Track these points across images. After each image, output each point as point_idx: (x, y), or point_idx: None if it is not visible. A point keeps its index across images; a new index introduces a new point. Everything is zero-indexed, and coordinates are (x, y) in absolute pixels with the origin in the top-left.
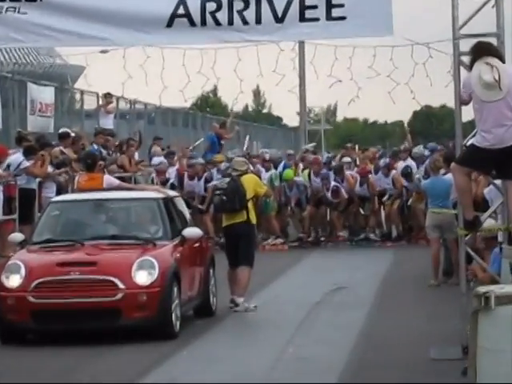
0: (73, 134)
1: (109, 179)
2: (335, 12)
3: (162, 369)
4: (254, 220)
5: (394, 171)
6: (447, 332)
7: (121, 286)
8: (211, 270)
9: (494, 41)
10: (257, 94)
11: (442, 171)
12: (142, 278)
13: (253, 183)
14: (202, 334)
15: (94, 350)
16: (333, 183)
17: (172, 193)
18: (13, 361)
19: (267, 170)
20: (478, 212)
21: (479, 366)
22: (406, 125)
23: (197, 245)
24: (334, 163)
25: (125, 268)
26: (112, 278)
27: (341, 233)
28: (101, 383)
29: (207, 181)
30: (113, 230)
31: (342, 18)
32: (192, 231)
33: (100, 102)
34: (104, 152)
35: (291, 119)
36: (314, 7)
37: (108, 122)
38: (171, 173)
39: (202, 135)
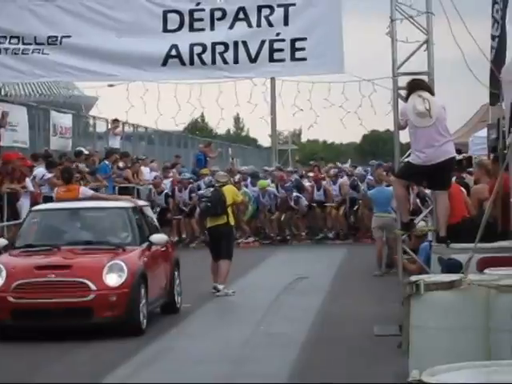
0: (86, 152)
1: (84, 190)
2: (298, 54)
3: (132, 361)
4: (232, 222)
5: (340, 179)
6: (388, 313)
7: (92, 287)
8: (176, 272)
9: (425, 78)
10: (237, 120)
11: (385, 183)
12: (112, 280)
13: (232, 192)
14: (188, 313)
15: (66, 346)
16: (294, 194)
17: (141, 202)
18: None
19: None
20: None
21: (411, 340)
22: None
23: (163, 249)
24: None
25: (96, 271)
26: (84, 280)
27: (303, 233)
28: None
29: (191, 191)
30: (87, 236)
31: (304, 59)
32: (158, 237)
33: (109, 126)
34: (113, 167)
35: (264, 140)
36: (281, 50)
37: (115, 143)
38: (166, 183)
39: (191, 154)
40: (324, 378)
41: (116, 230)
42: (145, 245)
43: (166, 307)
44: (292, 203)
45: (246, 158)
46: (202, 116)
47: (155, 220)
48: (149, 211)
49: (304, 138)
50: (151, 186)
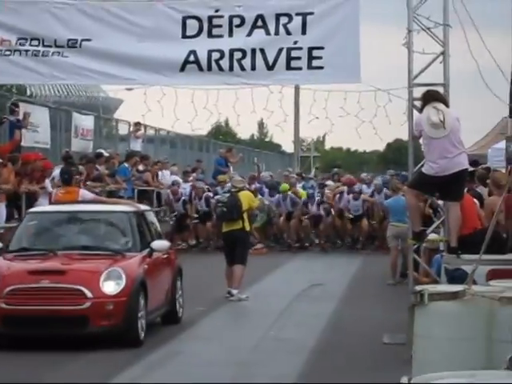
0: (106, 154)
1: (84, 193)
2: (315, 63)
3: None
4: (248, 227)
5: (362, 195)
6: (398, 322)
7: (89, 294)
8: (178, 280)
9: (440, 89)
10: (261, 125)
11: (401, 192)
12: (110, 287)
13: (248, 198)
14: (202, 316)
15: (59, 356)
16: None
17: (143, 207)
18: None
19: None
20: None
21: (414, 349)
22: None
23: (165, 256)
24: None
25: (93, 278)
26: (80, 287)
27: (322, 241)
28: None
29: (207, 199)
30: (84, 240)
31: (320, 68)
32: (160, 243)
33: (131, 129)
34: (133, 170)
35: (288, 147)
36: (298, 58)
37: (137, 146)
38: (186, 188)
39: (214, 158)
40: None
41: (116, 235)
42: (145, 251)
43: (166, 317)
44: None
45: (268, 163)
46: (226, 121)
47: (157, 225)
48: (151, 216)
49: (327, 146)
50: (169, 191)
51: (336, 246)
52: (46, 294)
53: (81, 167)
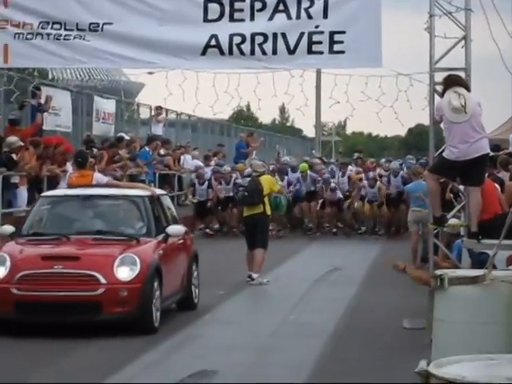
0: (128, 138)
1: (98, 176)
2: (336, 47)
3: (143, 358)
4: (268, 212)
5: (378, 183)
6: (418, 306)
7: (102, 280)
8: (194, 266)
9: (462, 74)
10: (282, 109)
11: (422, 177)
12: (124, 273)
13: (269, 182)
14: (222, 300)
15: (70, 343)
16: (332, 184)
17: (159, 191)
18: None
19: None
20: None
21: (434, 333)
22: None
23: (180, 241)
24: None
25: (107, 263)
26: (94, 273)
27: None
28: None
29: (228, 183)
30: (98, 225)
31: (342, 52)
32: (175, 228)
33: (152, 113)
34: (154, 154)
35: (309, 131)
36: (320, 43)
37: (158, 130)
38: (207, 172)
39: (234, 143)
40: (347, 369)
41: (130, 219)
42: (160, 237)
43: (182, 303)
44: (328, 194)
45: (290, 148)
46: (248, 105)
47: (173, 210)
48: (167, 201)
49: (349, 130)
50: (193, 176)
51: (357, 231)
52: (59, 279)
53: (95, 151)
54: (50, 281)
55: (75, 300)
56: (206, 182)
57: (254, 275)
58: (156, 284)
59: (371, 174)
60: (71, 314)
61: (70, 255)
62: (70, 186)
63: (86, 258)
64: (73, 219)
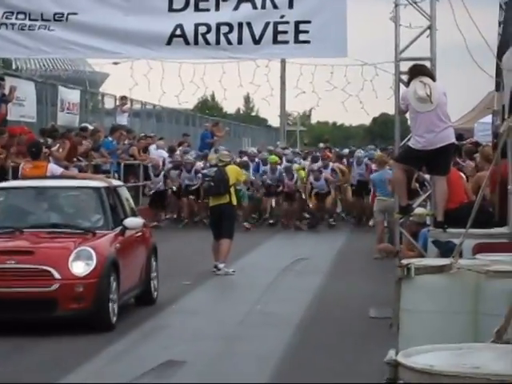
0: (91, 128)
1: (53, 167)
2: (302, 37)
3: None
4: (234, 202)
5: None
6: (385, 296)
7: (57, 276)
8: (153, 259)
9: (427, 63)
10: (247, 99)
11: (387, 167)
12: (79, 268)
13: (235, 172)
14: (188, 291)
15: (23, 342)
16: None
17: (116, 182)
18: None
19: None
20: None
21: (401, 323)
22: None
23: (139, 234)
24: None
25: (62, 258)
26: (48, 268)
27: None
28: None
29: (196, 172)
30: (53, 218)
31: (307, 42)
32: (133, 221)
33: (117, 103)
34: (118, 144)
35: (274, 121)
36: (285, 32)
37: (123, 120)
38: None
39: (200, 132)
40: (314, 359)
41: (86, 212)
42: (118, 229)
43: (140, 298)
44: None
45: (254, 138)
46: (212, 95)
47: (131, 202)
48: (124, 192)
49: (314, 120)
50: (150, 165)
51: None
52: (12, 275)
53: (50, 141)
54: (2, 276)
55: (29, 296)
56: (162, 173)
57: (220, 265)
58: (113, 279)
59: (315, 166)
60: (25, 310)
61: (24, 250)
62: (23, 178)
63: (39, 252)
64: (26, 212)
